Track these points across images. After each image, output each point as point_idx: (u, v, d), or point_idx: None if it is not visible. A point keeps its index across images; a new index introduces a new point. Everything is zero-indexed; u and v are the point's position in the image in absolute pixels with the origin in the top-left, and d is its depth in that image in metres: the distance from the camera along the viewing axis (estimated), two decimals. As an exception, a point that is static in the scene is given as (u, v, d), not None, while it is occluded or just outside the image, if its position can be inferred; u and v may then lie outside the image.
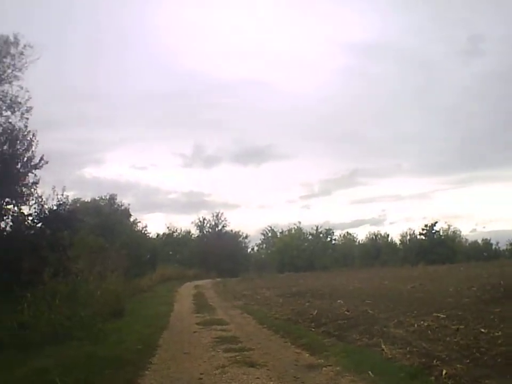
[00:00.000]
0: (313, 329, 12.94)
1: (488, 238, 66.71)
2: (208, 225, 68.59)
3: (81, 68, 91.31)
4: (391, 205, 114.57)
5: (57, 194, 17.01)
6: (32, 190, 16.43)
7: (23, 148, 16.14)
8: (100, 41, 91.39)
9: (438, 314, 12.50)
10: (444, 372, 7.66)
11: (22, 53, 16.15)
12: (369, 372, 8.06)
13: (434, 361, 8.35)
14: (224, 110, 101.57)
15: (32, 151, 16.34)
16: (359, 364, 8.66)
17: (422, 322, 11.81)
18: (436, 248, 58.37)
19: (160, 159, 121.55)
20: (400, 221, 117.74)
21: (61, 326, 12.54)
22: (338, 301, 17.45)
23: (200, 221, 68.75)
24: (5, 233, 15.72)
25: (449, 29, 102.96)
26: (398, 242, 67.37)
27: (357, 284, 25.37)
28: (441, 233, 62.20)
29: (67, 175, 66.68)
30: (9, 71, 15.99)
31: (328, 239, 66.39)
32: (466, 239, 69.11)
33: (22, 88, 16.35)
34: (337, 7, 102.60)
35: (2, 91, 16.09)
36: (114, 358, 10.10)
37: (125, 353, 10.60)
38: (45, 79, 63.92)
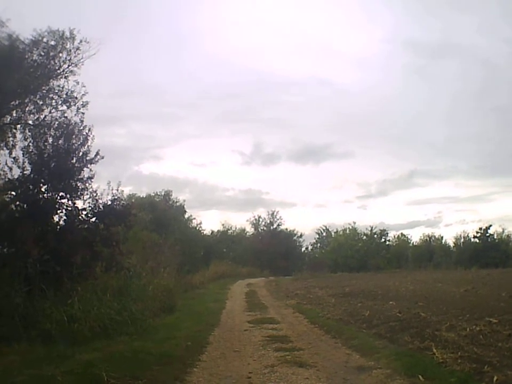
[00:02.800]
0: (364, 331, 12.72)
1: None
2: (263, 223, 68.45)
3: (140, 63, 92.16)
4: (446, 207, 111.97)
5: (112, 189, 17.09)
6: (87, 184, 16.50)
7: (79, 143, 16.23)
8: (160, 38, 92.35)
9: (490, 319, 12.20)
10: (495, 378, 7.53)
11: (78, 48, 16.23)
12: (420, 376, 7.94)
13: (486, 367, 8.15)
14: (284, 108, 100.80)
15: (88, 146, 16.40)
16: (410, 367, 8.48)
17: (474, 326, 11.55)
18: (490, 251, 56.79)
19: (219, 156, 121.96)
20: (455, 223, 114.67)
21: (110, 320, 12.54)
22: (391, 302, 17.21)
23: (256, 219, 68.71)
24: (59, 226, 15.87)
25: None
26: (451, 244, 65.84)
27: (410, 285, 24.93)
28: (495, 237, 60.54)
29: (123, 170, 68.03)
30: (65, 66, 16.08)
31: (382, 240, 65.40)
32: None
33: (78, 83, 16.44)
34: (400, 5, 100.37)
35: (58, 86, 16.22)
36: (163, 354, 10.09)
37: (174, 350, 10.60)
38: (103, 74, 65.25)
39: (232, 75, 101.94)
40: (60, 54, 15.98)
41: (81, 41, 16.23)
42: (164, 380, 8.32)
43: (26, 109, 15.89)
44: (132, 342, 11.17)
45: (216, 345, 11.50)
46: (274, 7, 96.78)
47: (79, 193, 16.27)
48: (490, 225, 60.40)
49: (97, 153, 16.50)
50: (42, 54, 15.53)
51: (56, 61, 15.91)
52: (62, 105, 16.47)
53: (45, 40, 15.55)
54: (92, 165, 16.43)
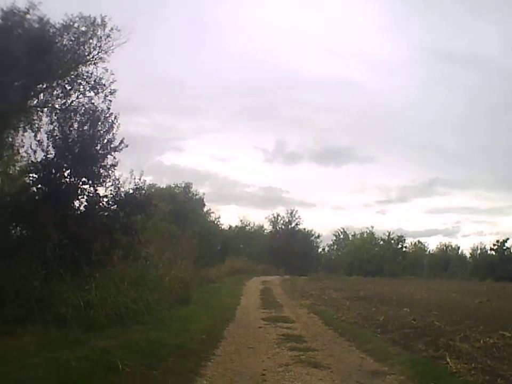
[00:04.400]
0: (379, 335, 12.66)
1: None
2: (281, 221, 68.32)
3: (164, 55, 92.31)
4: (465, 217, 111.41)
5: (134, 178, 17.07)
6: (110, 172, 16.48)
7: (104, 130, 16.22)
8: (187, 32, 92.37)
9: (504, 333, 12.09)
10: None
11: (108, 36, 16.27)
12: (433, 384, 7.93)
13: (499, 379, 8.15)
14: (308, 107, 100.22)
15: (113, 133, 16.39)
16: (424, 375, 8.46)
17: (487, 339, 11.46)
18: (506, 264, 56.00)
19: (241, 152, 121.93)
20: (472, 234, 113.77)
21: (126, 308, 12.54)
22: (405, 309, 17.13)
23: (274, 217, 68.62)
24: (79, 212, 15.90)
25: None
26: (468, 255, 65.46)
27: (424, 293, 24.75)
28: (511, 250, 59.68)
29: (145, 160, 68.17)
30: (95, 52, 16.15)
31: (399, 246, 65.23)
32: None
33: (106, 70, 16.50)
34: (425, 12, 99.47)
35: (87, 72, 16.28)
36: (178, 346, 10.12)
37: (189, 342, 10.63)
38: (132, 63, 65.49)
39: (256, 71, 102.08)
40: (90, 40, 16.05)
41: (112, 29, 16.30)
42: (179, 372, 8.29)
43: (54, 92, 15.97)
44: (147, 332, 11.19)
45: (230, 341, 11.53)
46: (303, 7, 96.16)
47: (101, 180, 16.28)
48: (508, 239, 59.75)
49: (121, 141, 16.48)
50: (73, 39, 15.58)
51: (86, 47, 15.98)
52: (90, 92, 16.57)
53: (75, 25, 15.63)
54: (116, 152, 16.42)
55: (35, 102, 15.90)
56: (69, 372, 7.42)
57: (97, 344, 9.42)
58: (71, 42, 15.53)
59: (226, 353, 10.10)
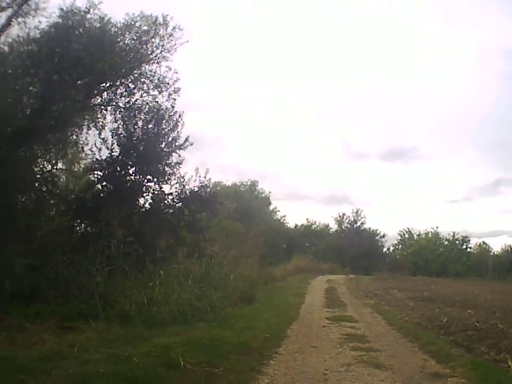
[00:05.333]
0: (441, 337, 12.28)
1: None
2: (347, 220, 67.87)
3: (233, 54, 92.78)
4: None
5: (199, 176, 17.16)
6: (175, 169, 16.65)
7: (169, 128, 16.36)
8: (246, 32, 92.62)
9: None
10: None
11: (171, 35, 16.25)
12: (495, 388, 7.80)
13: None
14: (374, 106, 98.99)
15: (178, 131, 16.51)
16: (485, 379, 8.23)
17: None
18: None
19: (307, 150, 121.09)
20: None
21: (190, 306, 12.48)
22: (468, 310, 16.58)
23: (340, 216, 68.19)
24: (144, 209, 16.06)
25: None
26: (534, 257, 62.76)
27: (488, 295, 24.00)
28: None
29: (211, 157, 68.74)
30: (158, 51, 16.14)
31: (464, 246, 63.89)
32: None
33: (170, 69, 16.53)
34: (493, 10, 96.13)
35: (150, 70, 16.32)
36: (240, 344, 10.03)
37: (252, 341, 10.52)
38: (196, 61, 66.23)
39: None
40: (153, 40, 16.07)
41: (174, 27, 16.25)
42: (241, 370, 8.20)
43: (118, 91, 16.11)
44: (210, 330, 11.09)
45: (293, 339, 11.47)
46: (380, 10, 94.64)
47: (166, 177, 16.43)
48: None
49: (186, 139, 16.58)
50: (135, 38, 15.65)
51: (148, 46, 16.02)
52: (154, 90, 16.61)
53: (137, 24, 15.69)
54: (181, 150, 16.54)
55: (99, 100, 16.10)
56: (130, 367, 7.37)
57: (159, 341, 9.40)
58: (133, 41, 15.59)
59: (289, 352, 10.01)
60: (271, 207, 56.66)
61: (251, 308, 15.91)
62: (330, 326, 13.62)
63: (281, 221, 58.87)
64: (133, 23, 15.56)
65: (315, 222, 70.08)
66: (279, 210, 58.93)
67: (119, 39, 15.33)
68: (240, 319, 13.28)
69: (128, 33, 15.51)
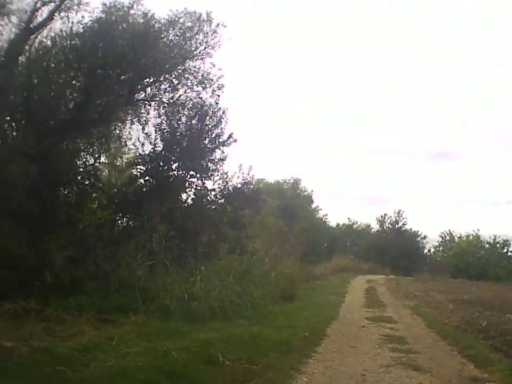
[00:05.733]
0: (481, 341, 12.01)
1: None
2: (388, 221, 67.05)
3: (275, 53, 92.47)
4: None
5: (242, 173, 17.17)
6: (218, 166, 16.71)
7: (212, 124, 16.42)
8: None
9: None
10: None
11: (215, 31, 16.27)
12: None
13: None
14: (410, 106, 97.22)
15: (222, 128, 16.56)
16: None
17: None
18: None
19: (349, 150, 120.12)
20: None
21: (230, 302, 12.44)
22: (508, 315, 16.19)
23: (382, 216, 67.43)
24: (186, 205, 16.11)
25: None
26: None
27: None
28: None
29: (253, 154, 68.69)
30: (202, 48, 16.17)
31: (505, 250, 62.30)
32: None
33: (214, 65, 16.54)
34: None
35: (194, 67, 16.36)
36: (280, 341, 9.99)
37: (291, 339, 10.48)
38: (242, 58, 66.38)
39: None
40: (197, 36, 16.11)
41: (218, 24, 16.26)
42: (279, 368, 8.13)
43: (161, 87, 16.21)
44: (250, 327, 11.07)
45: (333, 339, 11.39)
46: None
47: (209, 173, 16.50)
48: None
49: (230, 136, 16.60)
50: (178, 34, 15.71)
51: (192, 42, 16.05)
52: (197, 86, 16.66)
53: (181, 21, 15.75)
54: (224, 147, 16.56)
55: (142, 95, 16.21)
56: (168, 362, 7.38)
57: (199, 336, 9.42)
58: (177, 38, 15.63)
59: (328, 351, 9.94)
60: (313, 206, 56.25)
61: (291, 306, 15.82)
62: (370, 326, 13.52)
63: (323, 219, 58.43)
64: (176, 19, 15.63)
65: (356, 222, 69.67)
66: (321, 209, 58.48)
67: (162, 35, 15.41)
68: (281, 316, 13.24)
69: (172, 29, 15.58)
